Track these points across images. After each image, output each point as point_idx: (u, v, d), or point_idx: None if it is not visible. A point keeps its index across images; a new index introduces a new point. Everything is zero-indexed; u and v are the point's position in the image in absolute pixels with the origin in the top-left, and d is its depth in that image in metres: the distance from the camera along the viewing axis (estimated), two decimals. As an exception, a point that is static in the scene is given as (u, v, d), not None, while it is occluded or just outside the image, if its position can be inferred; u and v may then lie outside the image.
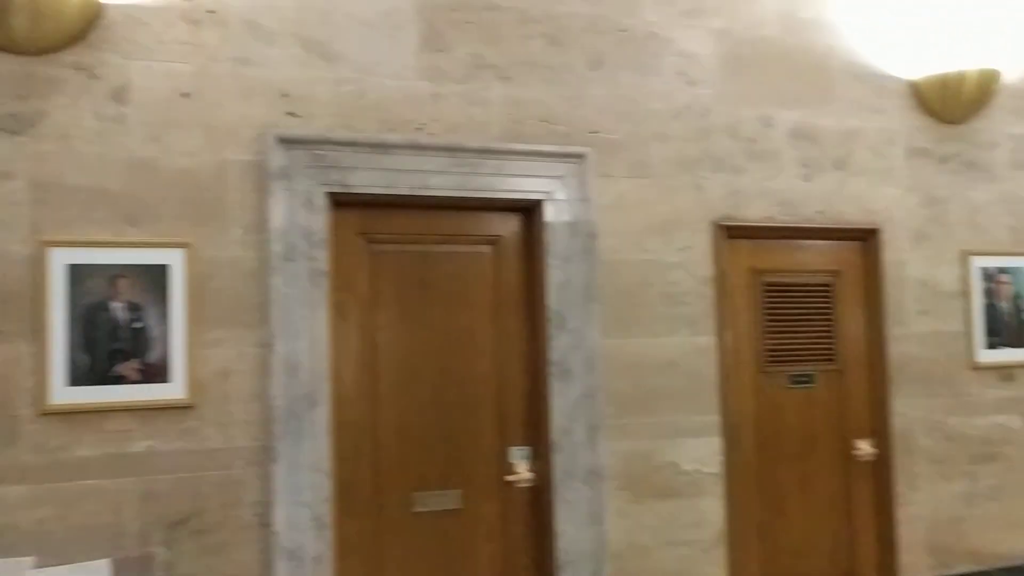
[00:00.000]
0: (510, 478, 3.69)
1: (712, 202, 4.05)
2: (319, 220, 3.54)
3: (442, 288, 3.84)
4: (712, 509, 3.94)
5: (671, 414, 3.90)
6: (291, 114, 3.47)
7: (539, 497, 3.71)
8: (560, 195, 3.71)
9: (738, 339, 4.04)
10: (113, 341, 3.35)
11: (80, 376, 3.31)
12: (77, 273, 3.32)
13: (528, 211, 3.78)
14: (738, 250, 4.03)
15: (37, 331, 3.25)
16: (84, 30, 3.30)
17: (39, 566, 3.09)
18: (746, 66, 4.12)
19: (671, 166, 3.96)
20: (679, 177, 3.99)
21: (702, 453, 3.95)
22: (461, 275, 3.84)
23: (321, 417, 3.52)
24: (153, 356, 3.40)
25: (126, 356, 3.36)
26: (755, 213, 4.09)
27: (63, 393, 3.28)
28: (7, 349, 3.24)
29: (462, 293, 3.86)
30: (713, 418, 3.95)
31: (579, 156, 3.70)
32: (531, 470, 3.71)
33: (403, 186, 3.66)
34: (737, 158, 4.07)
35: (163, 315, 3.41)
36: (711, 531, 3.93)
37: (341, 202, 3.67)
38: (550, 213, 3.68)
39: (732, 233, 3.99)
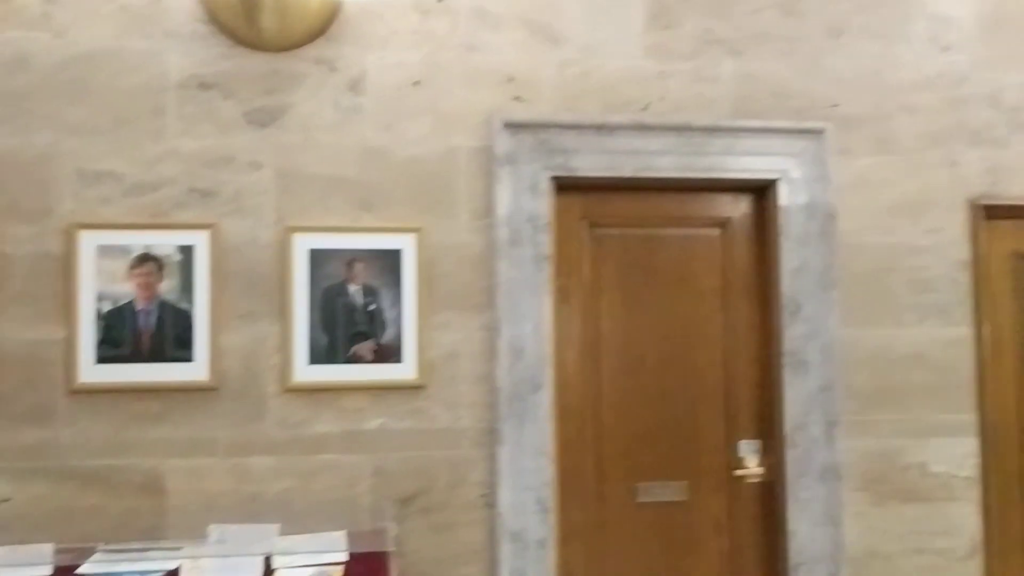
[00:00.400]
0: (739, 472, 3.63)
1: (968, 179, 3.78)
2: (543, 205, 3.60)
3: (667, 273, 3.80)
4: (966, 516, 3.69)
5: (918, 411, 3.69)
6: (517, 98, 3.55)
7: (770, 493, 3.62)
8: (795, 174, 3.60)
9: (998, 330, 3.76)
10: (350, 323, 3.59)
11: (320, 355, 3.57)
12: (317, 257, 3.59)
13: (760, 192, 3.70)
14: (999, 232, 3.74)
15: (283, 312, 3.54)
16: (325, 25, 3.54)
17: (283, 533, 3.38)
18: (1011, 27, 3.83)
19: (920, 141, 3.74)
20: (929, 152, 3.76)
21: (954, 454, 3.71)
22: (687, 259, 3.78)
23: (544, 401, 3.61)
24: (386, 337, 3.62)
25: (362, 337, 3.60)
26: (1020, 191, 3.80)
27: (305, 371, 3.56)
28: (257, 329, 3.55)
29: (688, 278, 3.78)
30: (968, 416, 3.70)
31: (816, 132, 3.57)
32: (761, 465, 3.64)
33: (627, 168, 3.68)
34: (998, 130, 3.78)
35: (396, 298, 3.62)
36: (964, 540, 3.68)
37: (565, 186, 3.71)
38: (784, 193, 3.57)
39: (992, 213, 3.69)
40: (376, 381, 3.42)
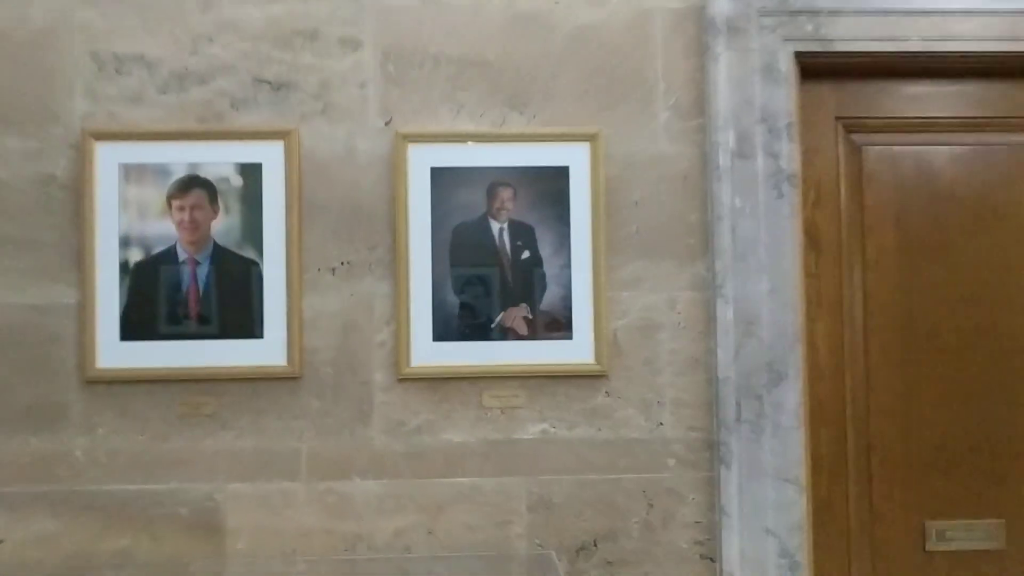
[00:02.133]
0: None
1: None
2: (783, 97, 2.83)
3: (973, 205, 2.95)
4: None
5: None
6: (742, -67, 2.82)
7: None
8: None
9: None
10: (493, 279, 2.84)
11: (449, 327, 2.75)
12: (443, 180, 2.78)
13: None
14: None
15: (394, 264, 2.78)
16: None
17: (397, 593, 2.65)
18: None
19: None
20: None
21: None
22: (1007, 184, 2.96)
23: (791, 400, 2.80)
24: (548, 301, 2.82)
25: (511, 300, 2.85)
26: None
27: (428, 351, 2.74)
28: (356, 288, 2.75)
29: (1007, 213, 3.00)
30: None
31: None
32: None
33: (912, 37, 2.88)
34: None
35: (561, 241, 2.80)
36: None
37: (813, 69, 2.94)
38: None
39: None
40: (533, 366, 2.67)
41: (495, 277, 2.64)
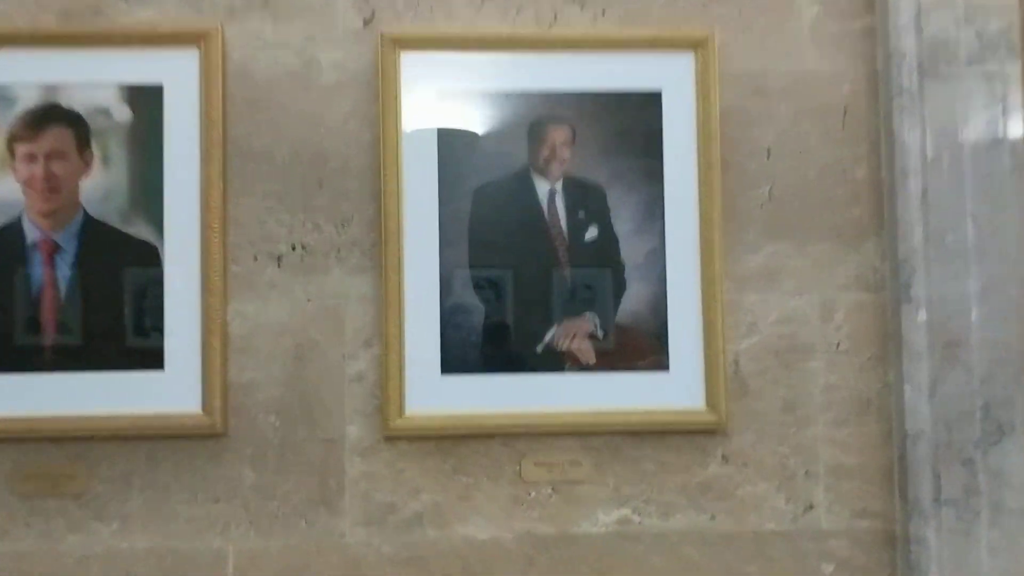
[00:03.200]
0: None
1: None
2: None
3: None
4: None
5: None
6: None
7: None
8: None
9: None
10: (534, 272, 1.95)
11: (467, 351, 1.86)
12: (456, 113, 1.95)
13: None
14: None
15: (377, 243, 1.92)
16: None
17: None
18: None
19: None
20: None
21: None
22: None
23: (1021, 466, 1.97)
24: (627, 308, 1.88)
25: (567, 307, 1.94)
26: None
27: (431, 389, 1.82)
28: (313, 284, 1.89)
29: None
30: None
31: None
32: None
33: None
34: None
35: (647, 211, 1.87)
36: None
37: None
38: None
39: None
40: (604, 415, 1.81)
41: (542, 269, 1.72)
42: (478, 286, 1.73)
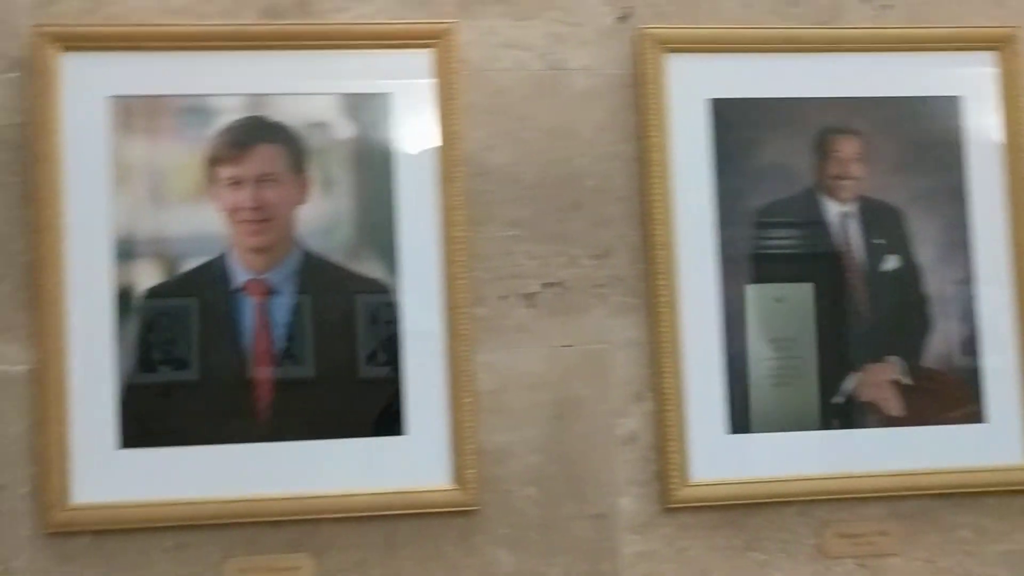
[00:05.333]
0: None
1: None
2: None
3: None
4: None
5: None
6: None
7: None
8: None
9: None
10: (836, 308, 1.76)
11: (758, 404, 1.70)
12: (731, 122, 1.75)
13: None
14: None
15: (645, 277, 1.73)
16: None
17: None
18: None
19: None
20: None
21: None
22: None
23: None
24: (935, 350, 1.73)
25: (867, 350, 1.76)
26: None
27: (718, 451, 1.65)
28: (572, 327, 1.69)
29: None
30: None
31: None
32: None
33: None
34: None
35: (952, 234, 1.75)
36: None
37: None
38: None
39: None
40: (914, 476, 1.68)
41: (837, 307, 1.53)
42: (765, 326, 1.51)
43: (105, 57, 1.51)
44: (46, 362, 1.44)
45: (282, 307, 1.48)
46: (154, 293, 1.47)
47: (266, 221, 1.48)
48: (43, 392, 1.47)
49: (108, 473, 1.45)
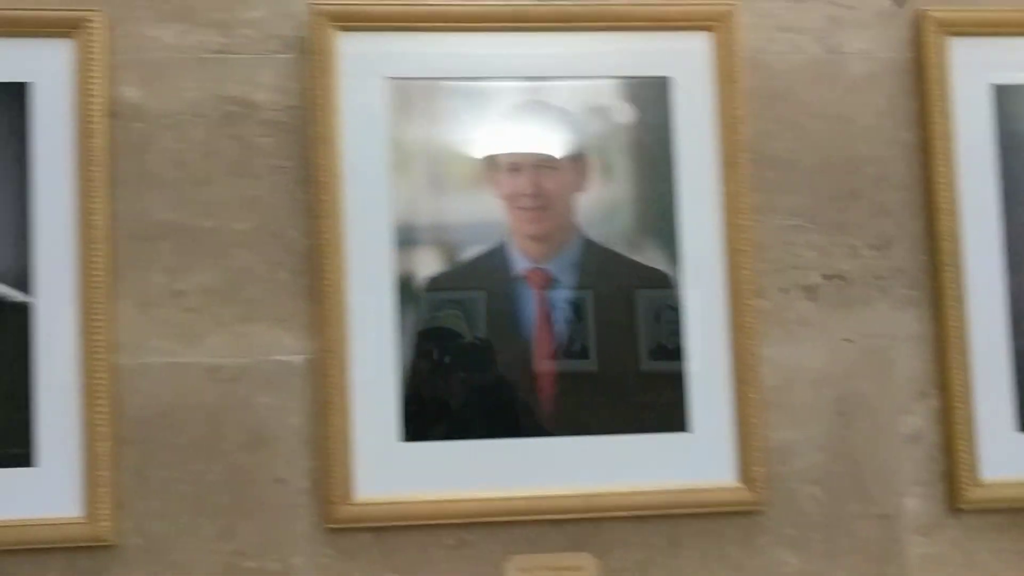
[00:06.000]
0: None
1: None
2: None
3: None
4: None
5: None
6: None
7: None
8: None
9: None
10: None
11: None
12: (1016, 108, 1.70)
13: None
14: None
15: (928, 269, 1.68)
16: None
17: None
18: None
19: None
20: None
21: None
22: None
23: None
24: None
25: None
26: None
27: (1008, 451, 1.66)
28: (853, 320, 1.65)
29: None
30: None
31: None
32: None
33: None
34: None
35: None
36: None
37: None
38: None
39: None
40: None
41: None
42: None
43: (382, 37, 1.44)
44: (327, 352, 1.39)
45: (563, 298, 1.43)
46: (435, 282, 1.41)
47: (545, 208, 1.44)
48: (324, 383, 1.44)
49: (390, 467, 1.39)
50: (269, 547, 1.42)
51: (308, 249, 1.44)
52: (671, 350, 1.46)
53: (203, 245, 1.44)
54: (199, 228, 1.44)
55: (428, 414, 1.42)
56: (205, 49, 1.48)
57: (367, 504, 1.40)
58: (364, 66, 1.45)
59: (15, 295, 1.41)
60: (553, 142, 1.46)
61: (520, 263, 1.44)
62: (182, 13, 1.46)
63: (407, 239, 1.43)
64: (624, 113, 1.48)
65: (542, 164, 1.44)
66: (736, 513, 1.47)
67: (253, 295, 1.44)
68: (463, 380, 1.44)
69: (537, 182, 1.44)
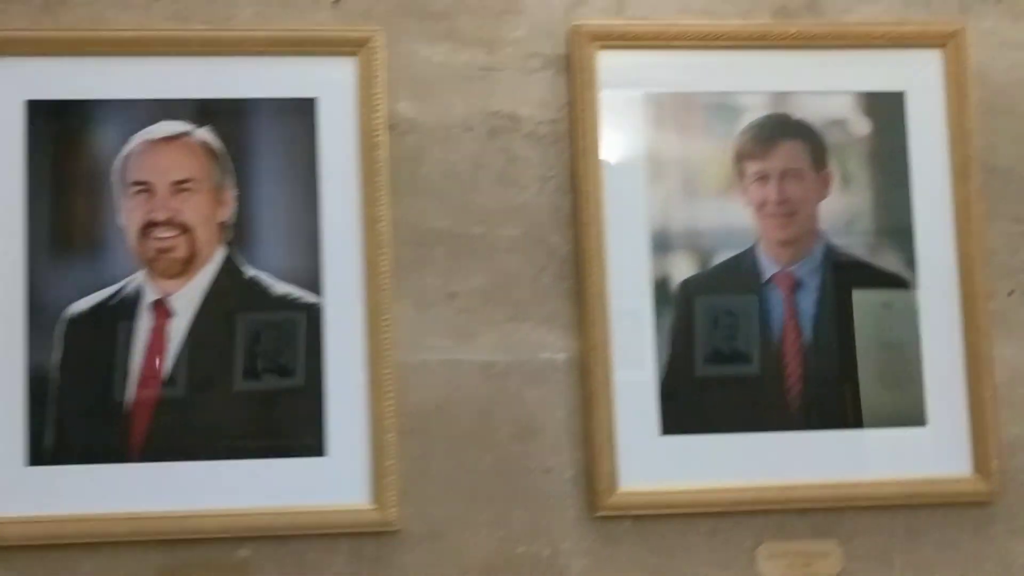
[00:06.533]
0: None
1: None
2: None
3: None
4: None
5: None
6: None
7: None
8: None
9: None
10: None
11: None
12: None
13: None
14: None
15: None
16: None
17: None
18: None
19: None
20: None
21: None
22: None
23: None
24: None
25: None
26: None
27: None
28: None
29: None
30: None
31: None
32: None
33: None
34: None
35: None
36: None
37: None
38: None
39: None
40: None
41: None
42: None
43: (637, 55, 1.55)
44: (589, 350, 1.51)
45: (808, 300, 1.54)
46: (688, 284, 1.53)
47: (791, 215, 1.56)
48: (588, 379, 1.55)
49: (651, 459, 1.50)
50: (538, 533, 1.52)
51: (570, 254, 1.55)
52: (907, 352, 1.55)
53: (474, 250, 1.54)
54: (470, 234, 1.54)
55: (685, 409, 1.52)
56: (472, 67, 1.57)
57: (630, 494, 1.50)
58: (622, 81, 1.55)
59: (308, 296, 1.49)
60: (797, 152, 1.56)
61: (768, 267, 1.55)
62: (451, 33, 1.57)
63: (662, 244, 1.54)
64: (862, 125, 1.59)
65: (788, 173, 1.55)
66: (971, 504, 1.56)
67: (520, 297, 1.54)
68: (716, 378, 1.53)
69: (783, 190, 1.55)
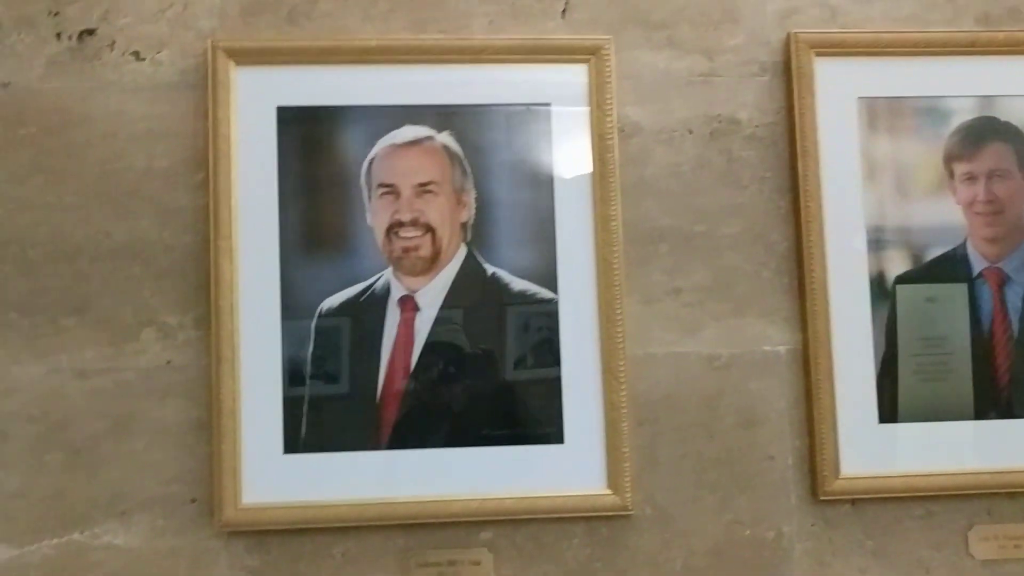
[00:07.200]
0: None
1: None
2: None
3: None
4: None
5: None
6: None
7: None
8: None
9: None
10: None
11: None
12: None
13: None
14: None
15: None
16: None
17: None
18: None
19: None
20: None
21: None
22: None
23: None
24: None
25: None
26: None
27: None
28: None
29: None
30: None
31: None
32: None
33: None
34: None
35: None
36: None
37: None
38: None
39: None
40: None
41: None
42: None
43: (851, 62, 1.64)
44: (813, 342, 1.61)
45: (1016, 295, 1.64)
46: (903, 279, 1.62)
47: (998, 213, 1.65)
48: (811, 370, 1.66)
49: (869, 446, 1.61)
50: (762, 517, 1.62)
51: (788, 250, 1.64)
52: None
53: (696, 247, 1.65)
54: (692, 232, 1.65)
55: (900, 398, 1.62)
56: (693, 72, 1.67)
57: (850, 479, 1.60)
58: (837, 87, 1.65)
59: (545, 293, 1.59)
60: (1004, 154, 1.66)
61: (977, 263, 1.64)
62: (673, 41, 1.67)
63: (877, 241, 1.63)
64: (1061, 130, 1.67)
65: (995, 174, 1.65)
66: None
67: (741, 292, 1.64)
68: (928, 369, 1.63)
69: (991, 190, 1.64)
